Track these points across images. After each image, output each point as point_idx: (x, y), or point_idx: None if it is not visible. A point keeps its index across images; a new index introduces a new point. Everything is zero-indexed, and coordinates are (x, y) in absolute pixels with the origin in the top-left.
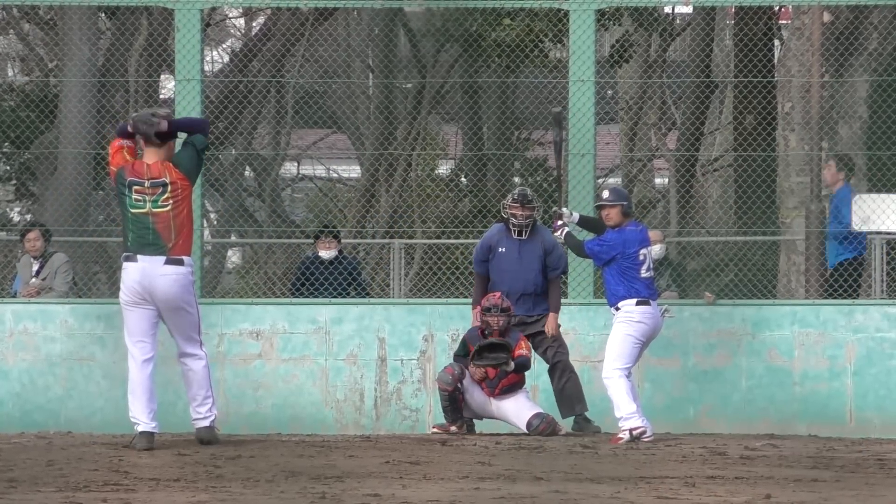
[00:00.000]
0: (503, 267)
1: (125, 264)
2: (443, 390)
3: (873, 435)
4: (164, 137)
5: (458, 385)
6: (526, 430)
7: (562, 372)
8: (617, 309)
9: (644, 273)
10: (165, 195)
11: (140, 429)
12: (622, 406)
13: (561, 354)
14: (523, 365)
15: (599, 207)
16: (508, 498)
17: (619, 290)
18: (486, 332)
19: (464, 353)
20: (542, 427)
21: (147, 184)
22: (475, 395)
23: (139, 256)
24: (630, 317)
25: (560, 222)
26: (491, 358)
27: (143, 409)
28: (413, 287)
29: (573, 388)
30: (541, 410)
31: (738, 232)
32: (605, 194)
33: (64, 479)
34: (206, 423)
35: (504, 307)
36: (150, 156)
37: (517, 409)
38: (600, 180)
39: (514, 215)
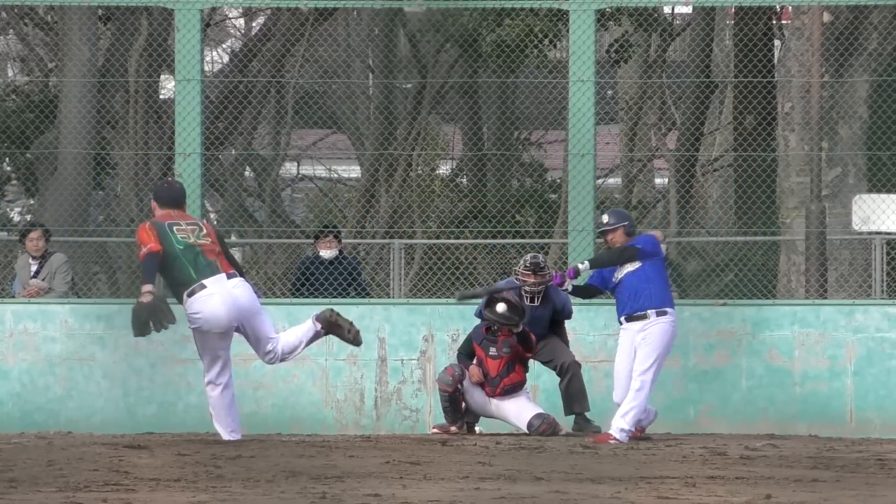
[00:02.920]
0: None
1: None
2: (443, 391)
3: (873, 435)
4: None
5: (459, 386)
6: (527, 431)
7: (566, 370)
8: (663, 313)
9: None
10: (204, 231)
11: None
12: (638, 414)
13: (567, 355)
14: (527, 341)
15: (602, 233)
16: (508, 498)
17: (666, 293)
18: (494, 329)
19: (468, 352)
20: (542, 427)
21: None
22: (475, 396)
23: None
24: (675, 323)
25: (575, 271)
26: (504, 316)
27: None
28: (413, 287)
29: (576, 386)
30: (542, 411)
31: (738, 232)
32: (606, 218)
33: (64, 479)
34: None
35: (514, 303)
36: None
37: (518, 410)
38: (600, 181)
39: (525, 282)
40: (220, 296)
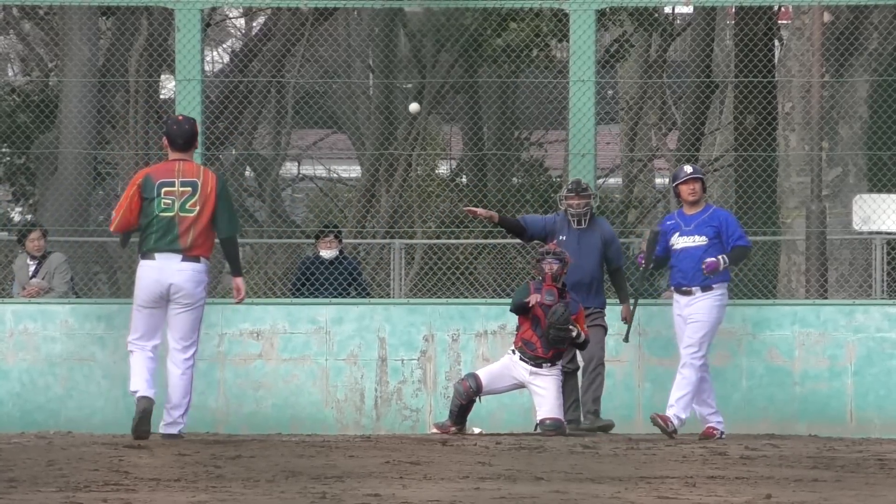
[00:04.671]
0: None
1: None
2: (456, 398)
3: (873, 435)
4: (191, 144)
5: (474, 398)
6: (536, 422)
7: (593, 370)
8: (709, 289)
9: None
10: (193, 199)
11: (140, 394)
12: (682, 402)
13: (598, 352)
14: (584, 343)
15: (682, 183)
16: (508, 498)
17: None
18: (541, 279)
19: (522, 304)
20: (551, 433)
21: (178, 184)
22: (503, 379)
23: (157, 255)
24: (723, 301)
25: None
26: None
27: (141, 380)
28: (413, 287)
29: (597, 391)
30: (559, 416)
31: None
32: (689, 168)
33: (64, 479)
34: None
35: (557, 252)
36: (180, 157)
37: (542, 399)
38: (600, 181)
39: (570, 205)
40: (158, 272)
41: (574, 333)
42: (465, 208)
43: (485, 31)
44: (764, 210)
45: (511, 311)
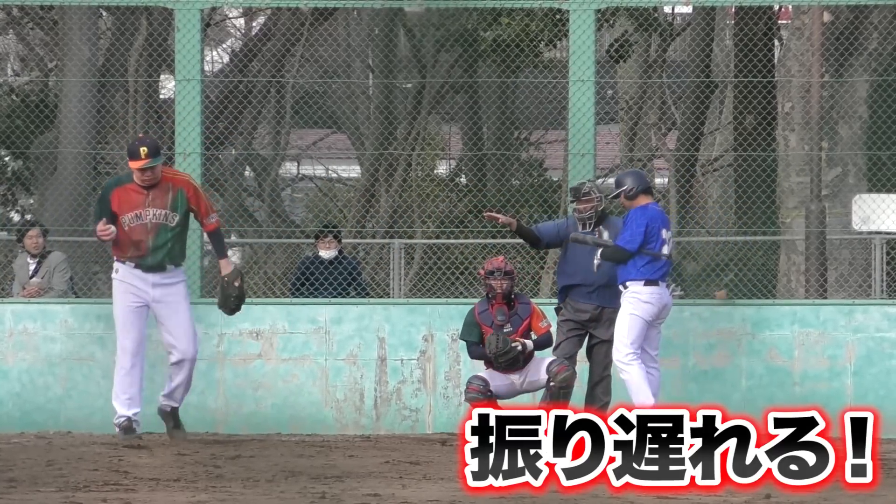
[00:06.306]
0: (577, 259)
1: None
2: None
3: None
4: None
5: (488, 392)
6: (545, 376)
7: (601, 382)
8: (625, 287)
9: (664, 253)
10: None
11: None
12: (641, 397)
13: (608, 366)
14: (546, 342)
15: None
16: (508, 498)
17: (631, 270)
18: (491, 296)
19: (476, 337)
20: (559, 368)
21: None
22: (501, 386)
23: None
24: (637, 297)
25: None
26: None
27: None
28: (413, 287)
29: (604, 388)
30: (553, 357)
31: (739, 232)
32: (614, 184)
33: (64, 479)
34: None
35: (507, 270)
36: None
37: (537, 367)
38: (600, 180)
39: (575, 210)
40: None
41: (520, 348)
42: (486, 214)
43: (478, 26)
44: (763, 210)
45: (470, 356)
